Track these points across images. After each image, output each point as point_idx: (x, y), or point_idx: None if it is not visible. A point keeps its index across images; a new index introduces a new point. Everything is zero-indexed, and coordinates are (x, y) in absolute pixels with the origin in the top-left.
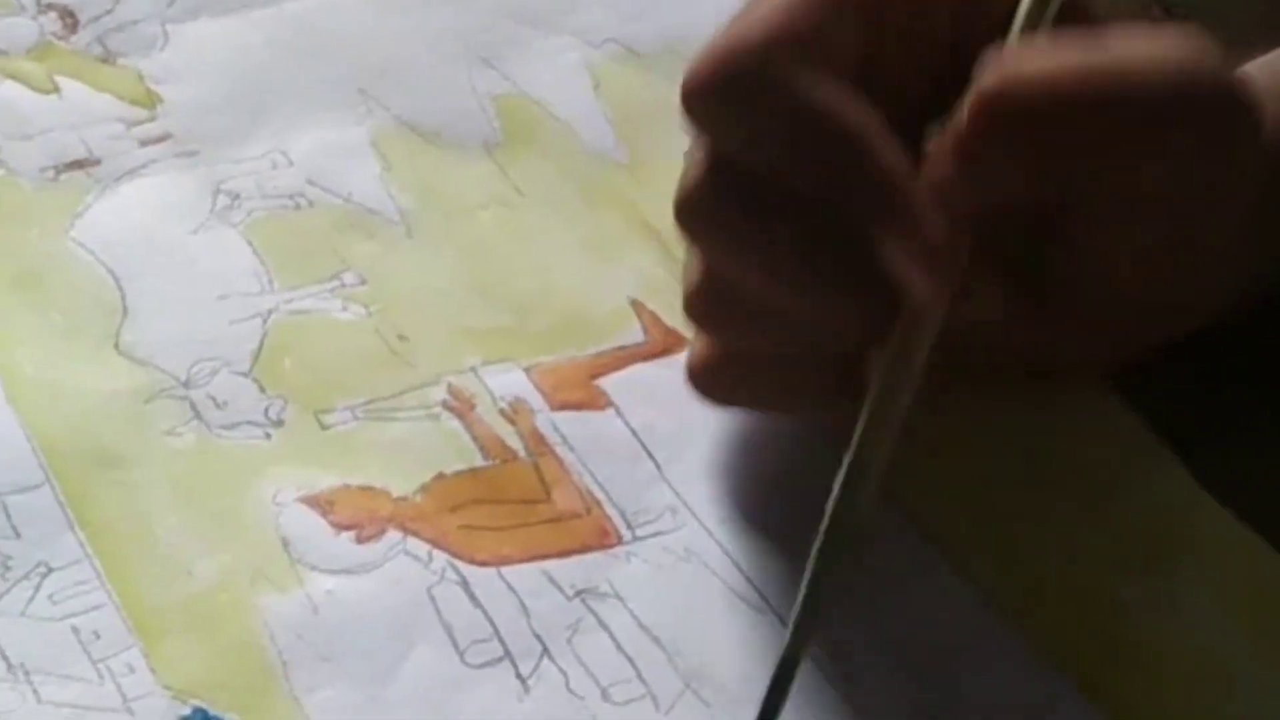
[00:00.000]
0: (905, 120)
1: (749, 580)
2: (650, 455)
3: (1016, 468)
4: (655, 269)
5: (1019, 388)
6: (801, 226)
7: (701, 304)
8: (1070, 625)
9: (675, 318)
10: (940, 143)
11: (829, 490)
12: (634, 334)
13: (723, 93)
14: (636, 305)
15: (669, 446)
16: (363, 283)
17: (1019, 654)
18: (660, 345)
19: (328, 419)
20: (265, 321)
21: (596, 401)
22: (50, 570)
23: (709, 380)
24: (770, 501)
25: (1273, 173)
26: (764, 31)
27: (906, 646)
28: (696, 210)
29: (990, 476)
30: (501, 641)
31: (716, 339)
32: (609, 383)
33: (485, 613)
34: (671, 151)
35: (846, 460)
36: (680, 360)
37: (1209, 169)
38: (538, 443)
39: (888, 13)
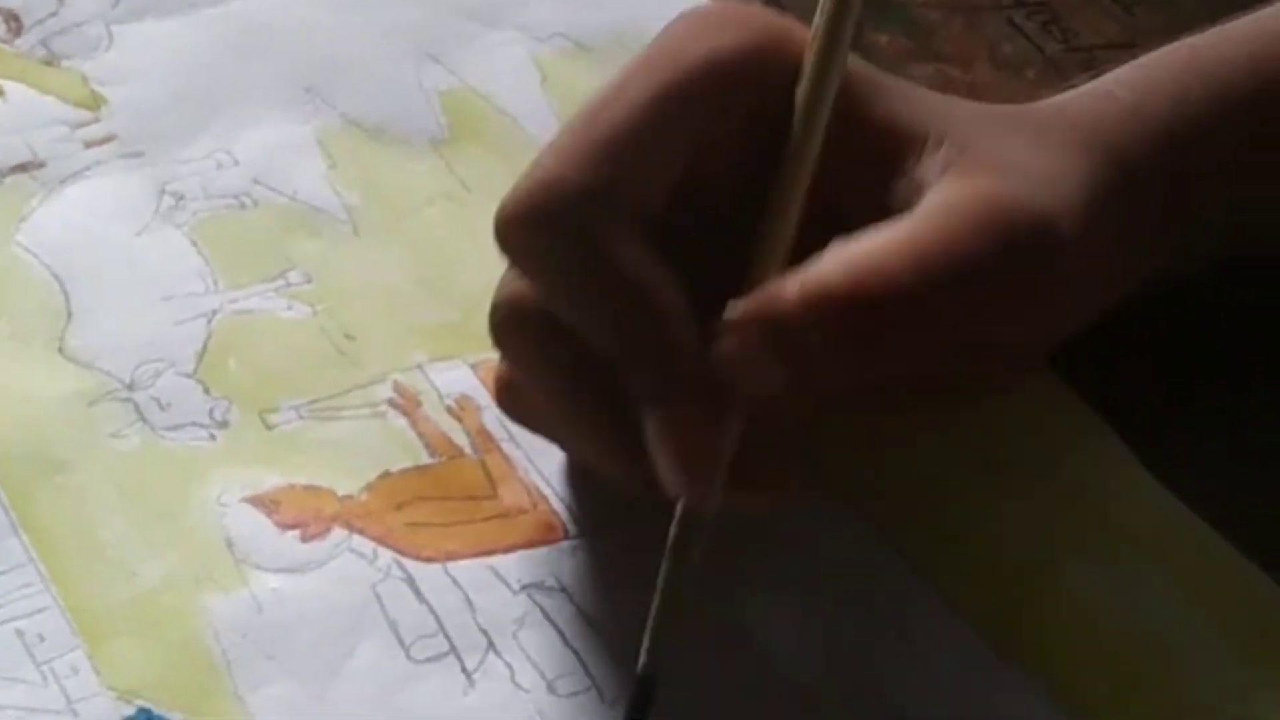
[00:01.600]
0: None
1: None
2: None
3: (955, 451)
4: None
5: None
6: (585, 377)
7: (500, 331)
8: (1010, 604)
9: None
10: (741, 331)
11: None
12: None
13: (526, 237)
14: None
15: None
16: (308, 281)
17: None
18: None
19: (273, 419)
20: (210, 322)
21: None
22: None
23: (506, 400)
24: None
25: (1124, 174)
26: (577, 171)
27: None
28: (499, 329)
29: (930, 460)
30: (447, 637)
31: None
32: None
33: (431, 608)
34: None
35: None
36: None
37: (1034, 304)
38: (484, 439)
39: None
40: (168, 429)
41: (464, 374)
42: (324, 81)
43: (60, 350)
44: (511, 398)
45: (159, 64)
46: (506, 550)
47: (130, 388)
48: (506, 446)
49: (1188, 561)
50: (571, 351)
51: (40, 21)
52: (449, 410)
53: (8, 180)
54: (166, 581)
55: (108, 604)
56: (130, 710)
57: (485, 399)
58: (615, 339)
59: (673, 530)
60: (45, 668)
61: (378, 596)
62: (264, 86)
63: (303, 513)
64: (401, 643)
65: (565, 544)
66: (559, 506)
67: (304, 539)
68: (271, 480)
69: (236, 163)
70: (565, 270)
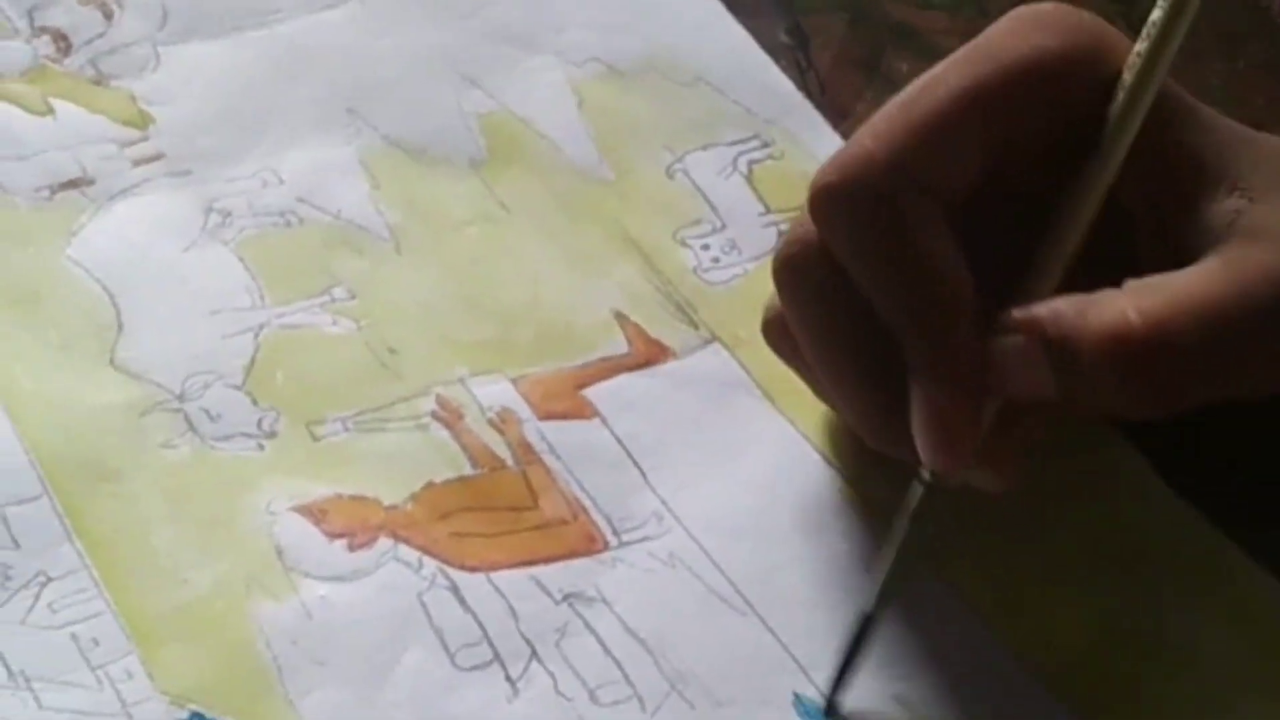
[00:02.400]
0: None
1: (732, 584)
2: (635, 463)
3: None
4: (638, 282)
5: None
6: (858, 333)
7: (783, 271)
8: (1080, 665)
9: (658, 329)
10: (1027, 333)
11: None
12: (618, 345)
13: (835, 205)
14: (620, 317)
15: (654, 454)
16: (352, 297)
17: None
18: (644, 356)
19: (319, 430)
20: (257, 336)
21: (583, 411)
22: (49, 580)
23: (771, 334)
24: (751, 507)
25: None
26: (890, 150)
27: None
28: (783, 268)
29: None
30: (491, 645)
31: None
32: (594, 393)
33: (475, 617)
34: (653, 167)
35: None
36: (664, 370)
37: None
38: (525, 451)
39: (1017, 119)
40: (217, 439)
41: (505, 388)
42: (366, 103)
43: (111, 362)
44: (776, 333)
45: (205, 84)
46: (548, 560)
47: (180, 399)
48: (547, 459)
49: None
50: (851, 307)
51: (89, 42)
52: (490, 423)
53: (58, 196)
54: (218, 588)
55: (160, 610)
56: (183, 714)
57: (526, 412)
58: (903, 310)
59: (916, 494)
60: (100, 672)
61: (423, 605)
62: (307, 107)
63: (350, 522)
64: (447, 650)
65: (605, 555)
66: (599, 517)
67: (351, 548)
68: (319, 490)
69: (281, 181)
70: (869, 239)
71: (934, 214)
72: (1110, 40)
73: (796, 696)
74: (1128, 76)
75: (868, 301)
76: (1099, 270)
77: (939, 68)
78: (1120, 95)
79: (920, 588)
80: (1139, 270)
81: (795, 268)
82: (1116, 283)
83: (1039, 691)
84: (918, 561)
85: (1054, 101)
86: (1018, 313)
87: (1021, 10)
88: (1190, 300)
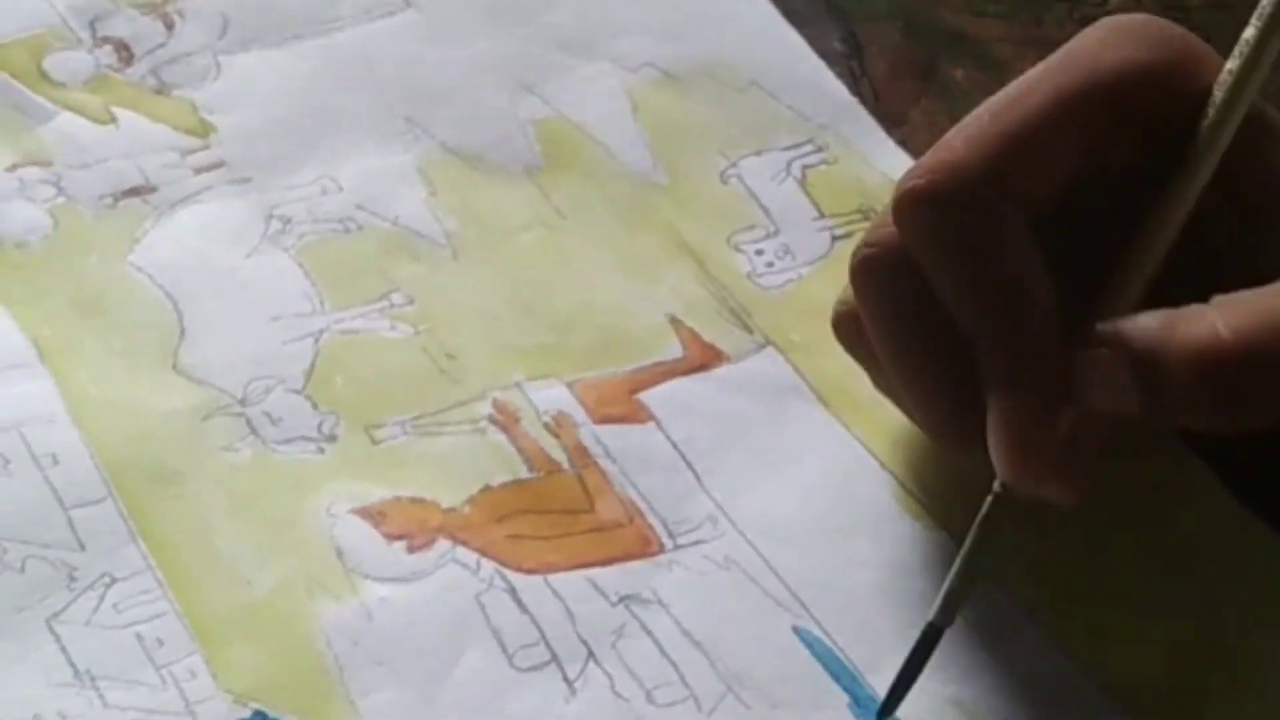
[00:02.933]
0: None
1: (787, 587)
2: (690, 466)
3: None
4: (692, 287)
5: None
6: (938, 342)
7: (861, 270)
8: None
9: (712, 333)
10: (1112, 348)
11: (863, 498)
12: (672, 350)
13: (921, 211)
14: (675, 322)
15: (709, 458)
16: (410, 303)
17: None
18: (698, 360)
19: (378, 434)
20: (317, 341)
21: (638, 415)
22: (114, 580)
23: (842, 330)
24: (806, 511)
25: None
26: (979, 158)
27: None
28: (861, 269)
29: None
30: (549, 646)
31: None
32: (649, 397)
33: (533, 618)
34: (707, 172)
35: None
36: (718, 374)
37: None
38: (581, 455)
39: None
40: (279, 442)
41: (561, 392)
42: (423, 111)
43: (174, 367)
44: (847, 330)
45: (265, 93)
46: (604, 563)
47: (242, 403)
48: (603, 462)
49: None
50: (929, 311)
51: (150, 52)
52: (546, 427)
53: (121, 204)
54: (280, 589)
55: (223, 610)
56: (246, 713)
57: (582, 416)
58: (985, 319)
59: (987, 503)
60: (164, 671)
61: (481, 606)
62: (365, 115)
63: (408, 524)
64: (505, 651)
65: (661, 557)
66: (654, 520)
67: (410, 550)
68: (378, 493)
69: (340, 189)
70: (954, 247)
71: (1021, 224)
72: (1199, 53)
73: (853, 698)
74: (1219, 93)
75: (945, 307)
76: (1182, 288)
77: (1030, 75)
78: (1211, 112)
79: (983, 595)
80: (1223, 289)
81: (873, 270)
82: (1202, 300)
83: (1102, 701)
84: (985, 572)
85: (1144, 114)
86: (1102, 327)
87: (1111, 21)
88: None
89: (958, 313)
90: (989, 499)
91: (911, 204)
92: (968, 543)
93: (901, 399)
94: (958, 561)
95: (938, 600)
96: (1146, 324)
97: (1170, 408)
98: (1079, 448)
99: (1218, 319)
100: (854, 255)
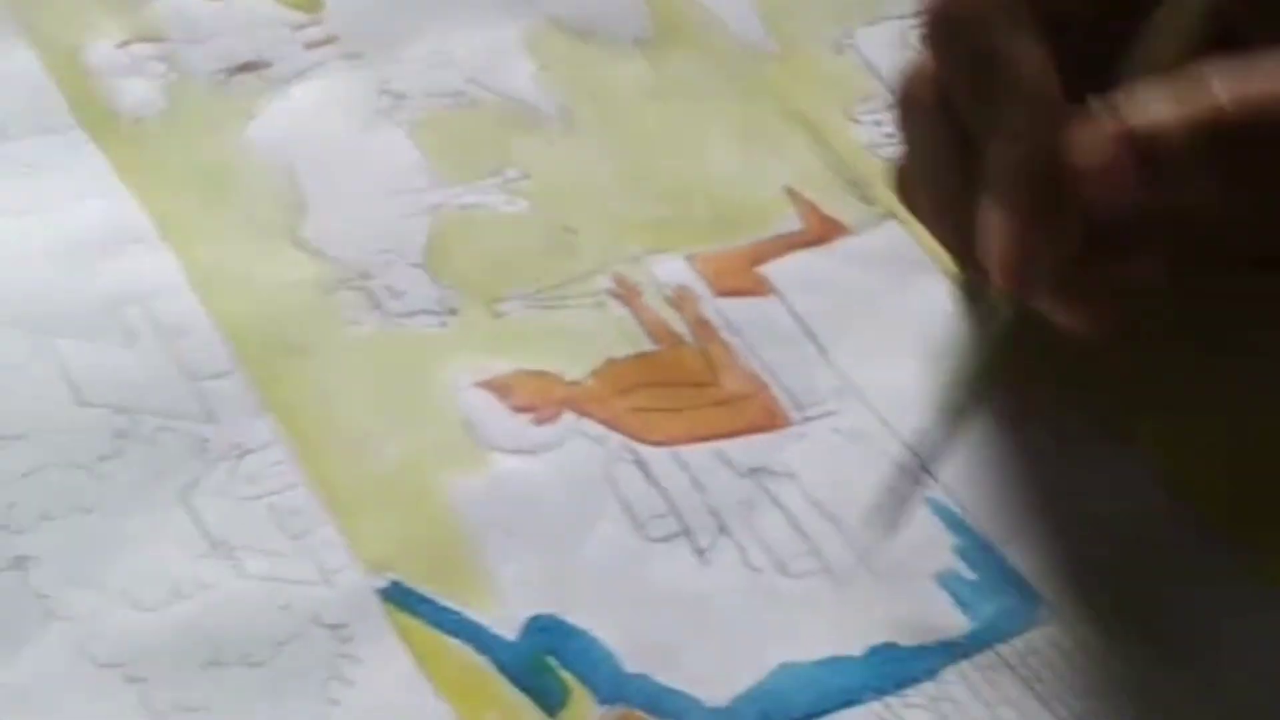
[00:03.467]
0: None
1: (918, 458)
2: (814, 339)
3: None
4: (809, 158)
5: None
6: (957, 157)
7: (897, 100)
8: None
9: (831, 205)
10: (1114, 135)
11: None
12: (791, 222)
13: (938, 21)
14: (793, 194)
15: (832, 331)
16: (525, 177)
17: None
18: (818, 233)
19: (499, 307)
20: (434, 215)
21: (759, 288)
22: (246, 452)
23: (900, 188)
24: (935, 381)
25: None
26: None
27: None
28: (898, 90)
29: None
30: (679, 517)
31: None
32: (770, 270)
33: (662, 490)
34: (820, 42)
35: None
36: (839, 247)
37: None
38: (703, 328)
39: None
40: (401, 316)
41: (681, 266)
42: None
43: (294, 241)
44: (901, 184)
45: None
46: (732, 435)
47: (364, 276)
48: (725, 335)
49: None
50: (953, 131)
51: None
52: (668, 300)
53: (235, 79)
54: (410, 460)
55: (354, 481)
56: (383, 582)
57: (703, 290)
58: (988, 117)
59: (998, 324)
60: (299, 541)
61: (610, 478)
62: None
63: (534, 396)
64: (635, 522)
65: (789, 430)
66: (780, 393)
67: (537, 422)
68: (501, 365)
69: (452, 63)
70: (965, 45)
71: (1028, 28)
72: None
73: (983, 569)
74: None
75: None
76: None
77: None
78: None
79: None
80: None
81: (908, 95)
82: None
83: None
84: (986, 395)
85: None
86: (1095, 101)
87: None
88: None
89: (967, 118)
90: (1000, 320)
91: (929, 17)
92: (969, 362)
93: (936, 236)
94: (958, 380)
95: (935, 418)
96: (1143, 96)
97: (1173, 189)
98: (1093, 269)
99: (1218, 87)
100: (894, 91)
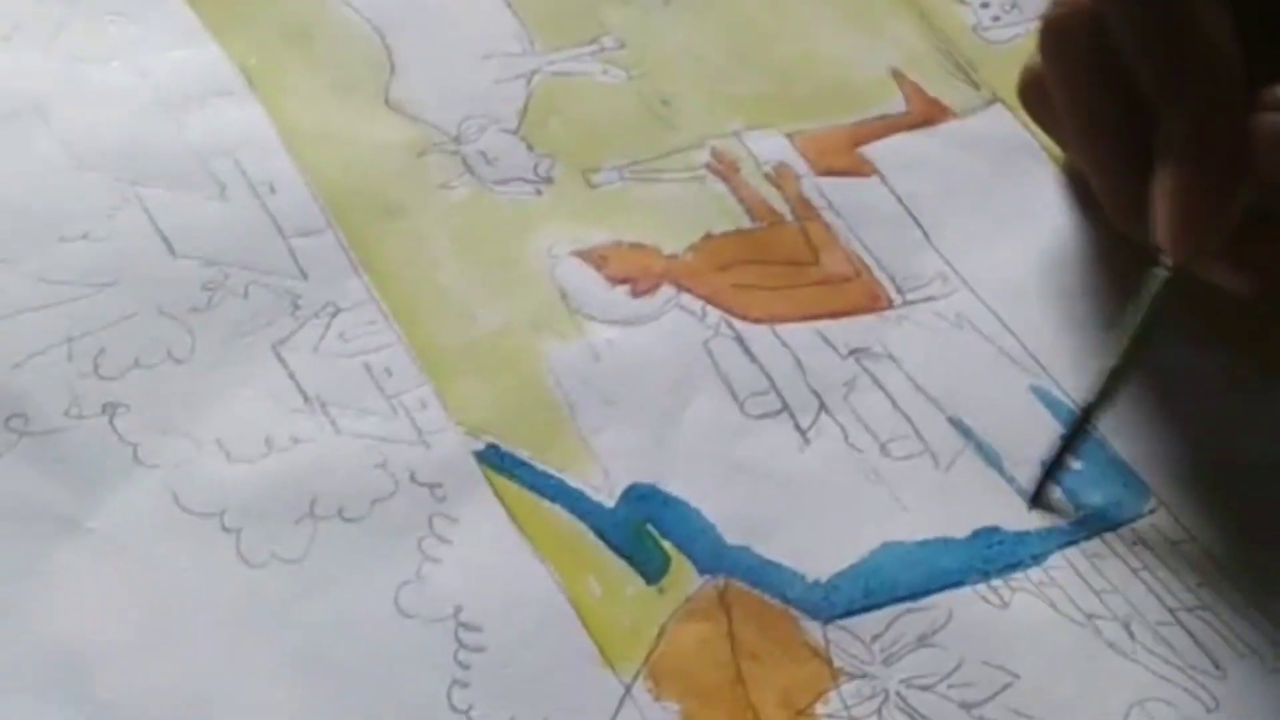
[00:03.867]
0: None
1: (1023, 346)
2: (917, 222)
3: None
4: (915, 40)
5: None
6: (1121, 111)
7: (1050, 33)
8: None
9: (937, 88)
10: None
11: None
12: (896, 104)
13: None
14: (898, 75)
15: (935, 214)
16: (621, 47)
17: None
18: (922, 115)
19: (595, 178)
20: (529, 82)
21: (861, 168)
22: (339, 310)
23: (1029, 96)
24: (1039, 269)
25: None
26: None
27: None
28: (1050, 30)
29: None
30: (779, 395)
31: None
32: (872, 150)
33: (762, 367)
34: None
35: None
36: (944, 129)
37: None
38: (804, 207)
39: None
40: (495, 182)
41: (781, 143)
42: None
43: (386, 101)
44: (1033, 96)
45: None
46: (833, 316)
47: (457, 140)
48: (826, 215)
49: None
50: (1114, 77)
51: None
52: (767, 177)
53: None
54: (506, 326)
55: (450, 344)
56: (479, 445)
57: (803, 167)
58: (1168, 77)
59: (1158, 282)
60: (395, 400)
61: (709, 352)
62: None
63: (631, 268)
64: (735, 397)
65: (890, 313)
66: (881, 276)
67: (634, 294)
68: (598, 236)
69: None
70: (1146, 4)
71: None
72: None
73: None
74: None
75: (1130, 74)
76: None
77: None
78: None
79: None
80: None
81: (1063, 31)
82: None
83: None
84: (1148, 351)
85: None
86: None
87: None
88: None
89: (1143, 72)
90: (1160, 277)
91: None
92: (1135, 323)
93: (1083, 167)
94: (1124, 341)
95: (1098, 380)
96: None
97: None
98: (1261, 235)
99: None
100: (1044, 16)
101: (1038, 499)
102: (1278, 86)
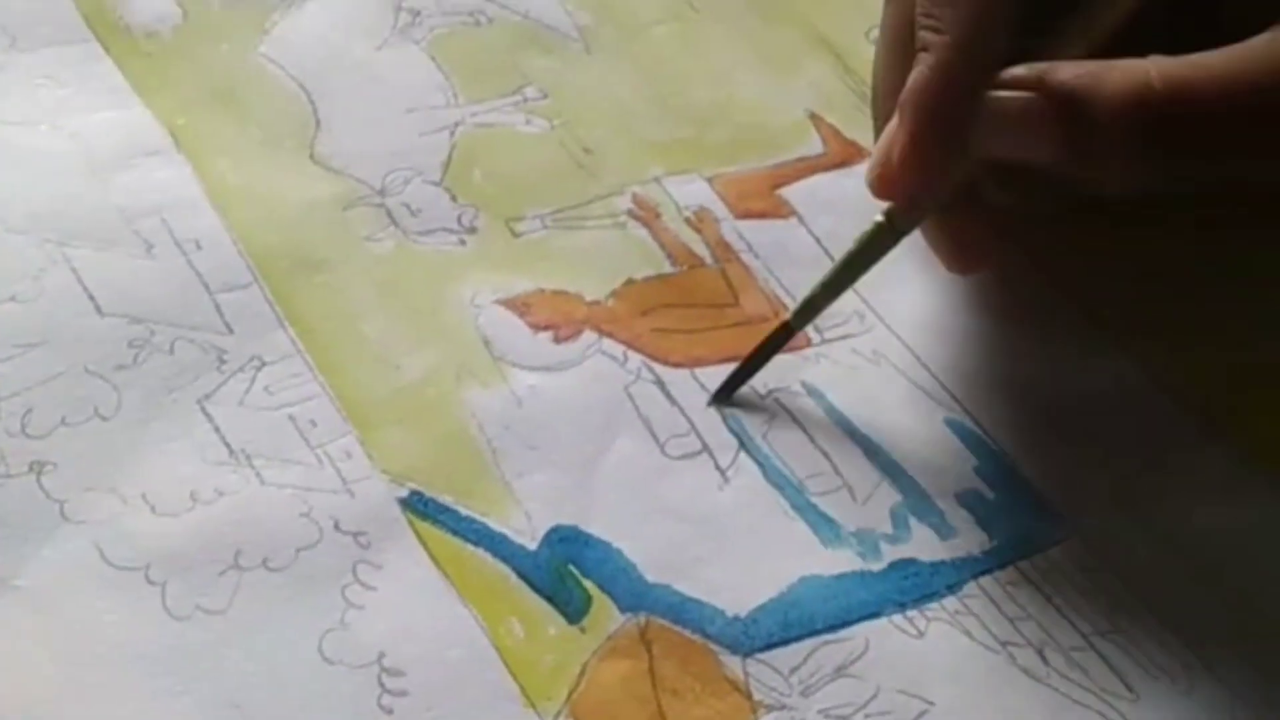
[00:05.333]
0: None
1: (938, 380)
2: (834, 261)
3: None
4: (832, 82)
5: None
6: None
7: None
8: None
9: (853, 129)
10: (1040, 91)
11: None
12: (813, 145)
13: None
14: (814, 118)
15: None
16: (545, 96)
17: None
18: (839, 156)
19: (518, 227)
20: (453, 134)
21: (779, 210)
22: (264, 364)
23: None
24: (953, 306)
25: None
26: None
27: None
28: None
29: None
30: (699, 436)
31: None
32: (791, 192)
33: (682, 410)
34: None
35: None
36: (860, 170)
37: None
38: (723, 250)
39: None
40: (420, 233)
41: (701, 187)
42: None
43: (311, 157)
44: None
45: None
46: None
47: (381, 194)
48: (746, 257)
49: None
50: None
51: None
52: (688, 222)
53: None
54: (429, 375)
55: (374, 394)
56: (403, 492)
57: (723, 211)
58: (921, 28)
59: (870, 227)
60: (319, 451)
61: (630, 396)
62: None
63: (553, 315)
64: (656, 439)
65: (809, 351)
66: None
67: (557, 340)
68: (521, 284)
69: None
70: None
71: None
72: None
73: (1004, 487)
74: None
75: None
76: None
77: None
78: None
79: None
80: None
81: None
82: None
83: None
84: (847, 288)
85: None
86: (1026, 69)
87: None
88: (1216, 67)
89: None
90: (873, 222)
91: None
92: (841, 258)
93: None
94: (827, 273)
95: (797, 303)
96: (1075, 68)
97: (1098, 155)
98: (975, 219)
99: (1151, 68)
100: None
101: (719, 396)
102: (1017, 67)
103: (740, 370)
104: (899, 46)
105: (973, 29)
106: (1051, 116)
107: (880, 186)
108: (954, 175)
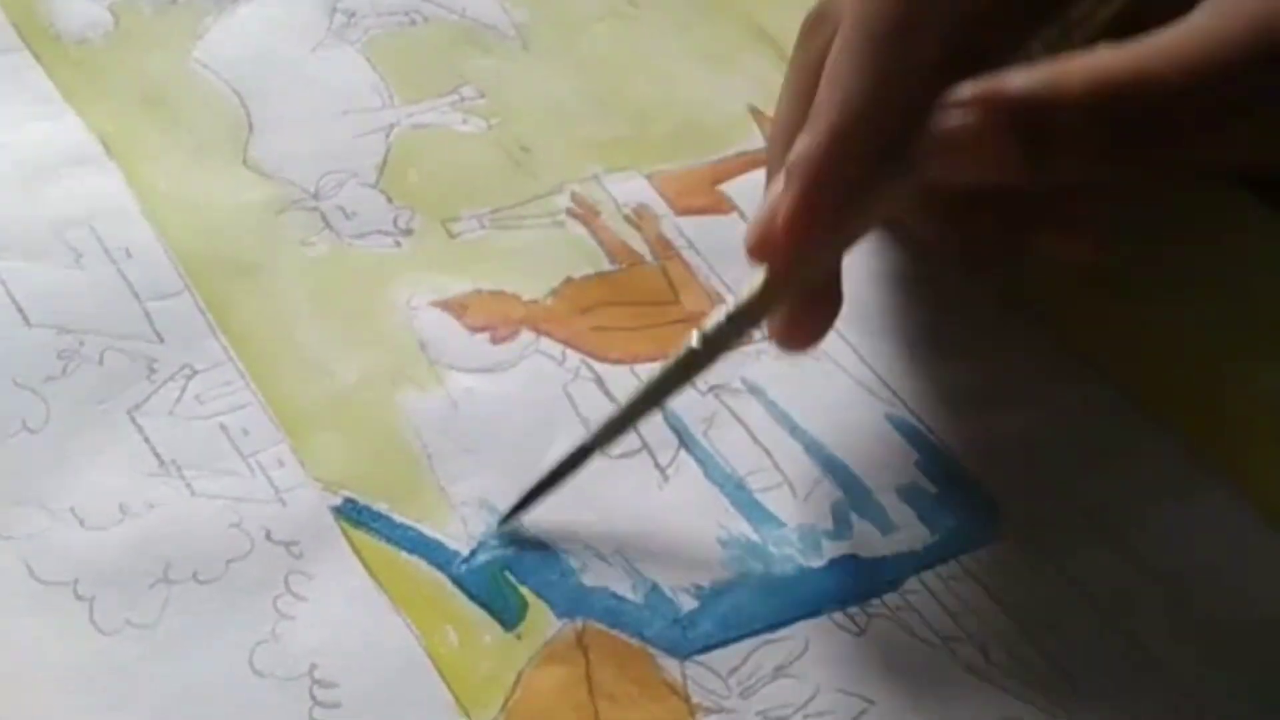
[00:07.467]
0: None
1: (879, 376)
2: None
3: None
4: (772, 75)
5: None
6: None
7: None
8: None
9: None
10: (985, 105)
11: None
12: (754, 140)
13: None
14: (755, 112)
15: None
16: (481, 96)
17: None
18: None
19: (455, 227)
20: (388, 135)
21: (720, 206)
22: (195, 372)
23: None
24: (895, 301)
25: None
26: None
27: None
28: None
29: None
30: (639, 434)
31: None
32: (731, 188)
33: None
34: None
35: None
36: None
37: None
38: (664, 247)
39: None
40: (354, 236)
41: (640, 185)
42: None
43: (244, 162)
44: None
45: None
46: None
47: (315, 197)
48: (686, 254)
49: None
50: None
51: None
52: (627, 219)
53: (182, 0)
54: (364, 380)
55: (308, 400)
56: (337, 500)
57: (663, 208)
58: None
59: (680, 353)
60: (251, 460)
61: (568, 396)
62: None
63: (490, 316)
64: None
65: (749, 348)
66: None
67: (494, 341)
68: (458, 286)
69: None
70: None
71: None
72: None
73: (944, 484)
74: None
75: None
76: None
77: None
78: None
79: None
80: None
81: (804, 26)
82: None
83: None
84: (650, 412)
85: None
86: (972, 88)
87: None
88: (1169, 48)
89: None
90: (686, 348)
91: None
92: (648, 380)
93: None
94: (632, 394)
95: (599, 425)
96: (1028, 75)
97: (1063, 158)
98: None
99: (1108, 59)
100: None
101: (512, 515)
102: (963, 86)
103: (536, 489)
104: (803, 96)
105: (878, 93)
106: (1006, 128)
107: (759, 250)
108: (840, 246)
